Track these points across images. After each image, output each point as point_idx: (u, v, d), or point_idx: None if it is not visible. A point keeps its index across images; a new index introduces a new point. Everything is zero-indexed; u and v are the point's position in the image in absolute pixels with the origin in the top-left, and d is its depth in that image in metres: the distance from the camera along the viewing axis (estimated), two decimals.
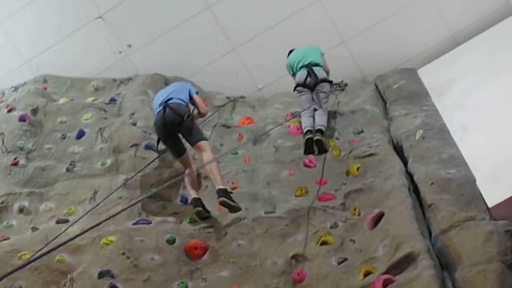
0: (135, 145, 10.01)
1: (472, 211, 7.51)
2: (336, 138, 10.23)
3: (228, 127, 11.16)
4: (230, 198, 7.95)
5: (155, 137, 10.82)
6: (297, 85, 10.25)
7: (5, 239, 8.74)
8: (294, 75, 10.47)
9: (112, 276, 7.61)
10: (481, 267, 6.54)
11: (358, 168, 9.27)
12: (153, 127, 8.82)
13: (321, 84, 9.96)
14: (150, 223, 8.40)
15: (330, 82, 10.35)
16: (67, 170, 10.02)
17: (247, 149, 10.59)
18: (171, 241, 8.16)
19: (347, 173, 9.28)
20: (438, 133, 9.42)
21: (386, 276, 7.04)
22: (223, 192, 7.88)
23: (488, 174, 8.03)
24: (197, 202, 8.13)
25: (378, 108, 10.91)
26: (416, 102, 10.61)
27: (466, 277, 6.57)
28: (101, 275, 7.46)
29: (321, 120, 10.08)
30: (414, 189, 8.50)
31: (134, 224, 8.44)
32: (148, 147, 10.29)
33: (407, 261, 6.93)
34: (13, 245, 8.59)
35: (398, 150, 9.54)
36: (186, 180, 8.45)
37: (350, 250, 7.82)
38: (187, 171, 8.50)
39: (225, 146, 10.39)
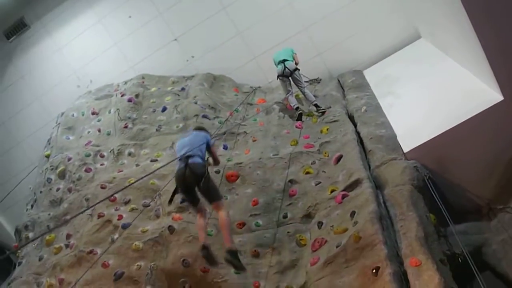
0: (196, 115, 12.42)
1: (394, 154, 9.48)
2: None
3: (251, 104, 13.47)
4: (237, 258, 7.79)
5: (210, 110, 12.63)
6: (278, 75, 12.48)
7: (120, 171, 11.18)
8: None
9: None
10: (399, 188, 8.57)
11: (327, 129, 11.26)
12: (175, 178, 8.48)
13: (294, 73, 12.26)
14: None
15: (298, 69, 12.38)
16: (156, 130, 12.51)
17: (262, 117, 12.53)
18: (218, 172, 10.36)
19: (321, 132, 11.28)
20: (374, 109, 11.15)
21: (344, 192, 8.91)
22: (231, 253, 7.73)
23: (403, 133, 9.91)
24: (204, 251, 7.86)
25: (339, 93, 12.81)
26: (362, 90, 12.43)
27: (391, 193, 8.58)
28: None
29: (309, 97, 12.27)
30: (360, 141, 10.32)
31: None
32: (204, 116, 12.38)
33: (356, 183, 8.93)
34: (125, 174, 10.96)
35: (351, 118, 11.33)
36: (198, 224, 8.33)
37: (322, 177, 9.75)
38: (198, 216, 8.37)
39: (249, 115, 12.64)
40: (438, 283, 6.66)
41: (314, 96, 12.61)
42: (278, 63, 12.62)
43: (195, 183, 8.30)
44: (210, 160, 9.18)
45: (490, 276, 8.88)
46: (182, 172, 8.34)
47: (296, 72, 12.46)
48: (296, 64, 12.68)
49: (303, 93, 12.53)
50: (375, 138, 10.09)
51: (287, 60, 12.53)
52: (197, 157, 8.47)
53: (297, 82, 12.49)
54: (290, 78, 12.54)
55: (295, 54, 12.98)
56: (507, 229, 9.04)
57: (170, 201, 8.87)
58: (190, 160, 8.36)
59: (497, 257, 8.86)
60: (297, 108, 12.30)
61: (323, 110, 12.03)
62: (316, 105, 12.16)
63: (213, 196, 8.36)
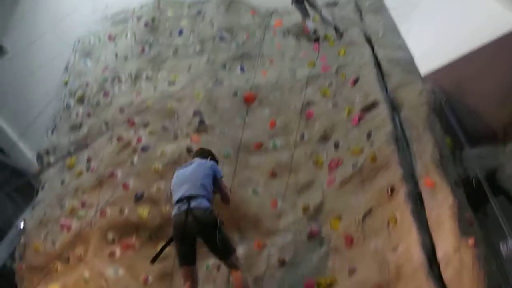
0: (213, 37, 12.44)
1: (411, 77, 9.58)
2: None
3: (267, 26, 13.16)
4: None
5: (226, 33, 12.60)
6: (292, 1, 12.33)
7: (138, 95, 11.23)
8: None
9: (201, 114, 9.99)
10: (416, 110, 8.67)
11: (344, 51, 11.18)
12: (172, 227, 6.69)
13: None
14: (223, 83, 10.91)
15: None
16: (173, 53, 12.47)
17: (279, 39, 12.52)
18: (235, 94, 10.57)
19: (338, 54, 11.21)
20: (392, 32, 11.19)
21: (360, 113, 9.03)
22: None
23: (421, 56, 9.95)
24: None
25: (357, 16, 12.61)
26: (380, 13, 12.26)
27: (407, 115, 8.67)
28: (195, 113, 9.97)
29: (327, 20, 12.21)
30: (378, 64, 10.32)
31: (213, 84, 10.87)
32: (221, 39, 12.44)
33: (373, 105, 9.06)
34: (143, 98, 11.05)
35: (369, 41, 11.29)
36: None
37: (339, 99, 9.81)
38: (186, 286, 6.43)
39: (266, 38, 12.57)
40: (452, 204, 6.75)
41: (331, 18, 12.32)
42: None
43: (199, 236, 6.51)
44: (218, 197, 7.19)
45: (504, 200, 8.94)
46: (181, 221, 6.44)
47: None
48: None
49: (320, 15, 12.33)
50: (392, 61, 10.14)
51: None
52: (202, 198, 6.60)
53: (312, 5, 12.30)
54: (305, 2, 12.29)
55: None
56: None
57: (154, 259, 6.92)
58: (192, 204, 6.48)
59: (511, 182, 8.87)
60: (314, 32, 12.12)
61: (341, 33, 11.83)
62: (334, 28, 11.99)
63: (227, 250, 6.52)
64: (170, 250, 7.98)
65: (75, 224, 9.35)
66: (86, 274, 8.39)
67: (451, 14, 10.60)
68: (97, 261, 8.48)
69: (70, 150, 11.22)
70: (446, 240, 6.39)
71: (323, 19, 12.35)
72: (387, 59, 10.20)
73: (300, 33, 12.55)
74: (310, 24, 12.33)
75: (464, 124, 9.41)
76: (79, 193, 9.92)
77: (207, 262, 8.13)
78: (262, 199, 8.69)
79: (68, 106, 12.35)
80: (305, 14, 12.39)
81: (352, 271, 6.86)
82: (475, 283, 5.73)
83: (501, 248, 6.82)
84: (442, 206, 6.83)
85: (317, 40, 11.99)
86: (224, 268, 7.63)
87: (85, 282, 8.32)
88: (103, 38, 14.04)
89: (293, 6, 12.49)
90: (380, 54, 10.48)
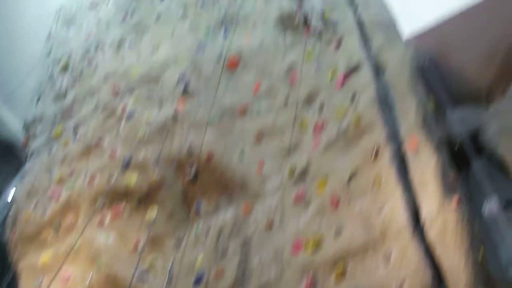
0: (196, 1, 12.28)
1: (395, 39, 9.57)
2: None
3: None
4: None
5: None
6: None
7: (122, 62, 11.20)
8: None
9: (185, 79, 10.05)
10: (399, 71, 8.69)
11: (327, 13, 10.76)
12: None
13: None
14: (206, 48, 10.76)
15: None
16: (156, 19, 12.31)
17: (261, 2, 11.99)
18: (219, 58, 10.46)
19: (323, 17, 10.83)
20: None
21: (344, 76, 9.09)
22: None
23: (405, 19, 9.89)
24: None
25: None
26: None
27: (391, 76, 8.72)
28: (179, 79, 10.07)
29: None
30: (361, 26, 10.26)
31: (197, 49, 10.82)
32: (204, 2, 12.24)
33: (357, 68, 9.06)
34: (127, 65, 11.07)
35: (352, 2, 11.04)
36: None
37: (323, 61, 9.78)
38: None
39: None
40: (436, 163, 6.93)
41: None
42: None
43: None
44: None
45: (487, 161, 8.80)
46: None
47: None
48: None
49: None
50: (376, 23, 10.09)
51: None
52: None
53: None
54: None
55: None
56: (505, 115, 9.01)
57: None
58: None
59: (494, 143, 8.76)
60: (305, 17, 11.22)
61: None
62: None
63: None
64: (157, 216, 8.16)
65: (64, 193, 9.39)
66: (77, 241, 8.40)
67: None
68: (87, 228, 8.52)
69: (56, 119, 11.18)
70: (430, 200, 6.52)
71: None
72: (371, 21, 10.16)
73: None
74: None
75: (448, 85, 9.34)
76: (67, 161, 9.97)
77: (196, 226, 8.37)
78: (249, 163, 8.76)
79: (52, 75, 12.30)
80: None
81: (338, 232, 6.98)
82: (458, 242, 5.90)
83: (483, 208, 6.89)
84: (426, 166, 6.97)
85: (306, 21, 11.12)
86: (213, 231, 8.02)
87: (76, 251, 8.39)
88: (84, 6, 13.90)
89: None
90: (364, 15, 10.42)
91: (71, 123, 10.81)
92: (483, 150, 8.85)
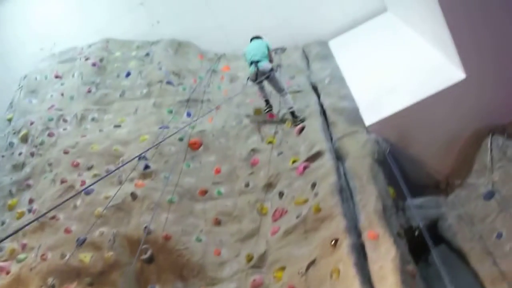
0: (160, 81, 12.37)
1: (356, 127, 9.62)
2: None
3: (215, 71, 13.23)
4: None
5: (174, 76, 12.61)
6: (250, 79, 10.69)
7: (83, 136, 11.06)
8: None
9: (146, 158, 9.92)
10: (360, 160, 8.75)
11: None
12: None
13: (270, 74, 10.37)
14: (169, 127, 10.77)
15: (272, 69, 10.36)
16: (120, 95, 12.37)
17: (226, 85, 12.51)
18: (181, 139, 10.46)
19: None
20: (338, 80, 11.18)
21: (305, 163, 9.07)
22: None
23: (366, 107, 10.02)
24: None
25: (304, 63, 12.61)
26: (326, 61, 12.30)
27: (351, 165, 8.75)
28: (140, 158, 9.64)
29: (287, 103, 10.47)
30: (323, 113, 10.41)
31: (159, 128, 10.81)
32: (168, 83, 12.35)
33: (318, 155, 9.10)
34: (88, 140, 10.84)
35: (315, 89, 11.35)
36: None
37: (284, 147, 9.84)
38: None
39: (213, 83, 12.64)
40: (395, 256, 6.85)
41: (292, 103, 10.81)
42: (250, 64, 10.65)
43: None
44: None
45: (445, 249, 9.10)
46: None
47: (272, 73, 10.53)
48: (271, 61, 10.86)
49: (281, 98, 10.75)
50: (338, 110, 10.24)
51: (261, 61, 10.54)
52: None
53: (274, 85, 10.69)
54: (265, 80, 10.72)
55: (269, 49, 11.00)
56: (463, 204, 9.25)
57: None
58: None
59: (453, 231, 9.05)
60: (266, 101, 10.96)
61: (298, 122, 10.40)
62: (292, 113, 10.48)
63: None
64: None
65: (14, 267, 9.05)
66: None
67: (396, 65, 10.77)
68: None
69: (11, 190, 10.91)
70: None
71: (283, 100, 10.82)
72: (333, 108, 10.30)
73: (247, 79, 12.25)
74: (264, 94, 11.11)
75: (407, 174, 9.48)
76: (20, 235, 9.58)
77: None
78: (206, 247, 8.62)
79: (11, 144, 12.03)
80: (263, 95, 11.07)
81: None
82: None
83: None
84: (384, 258, 6.88)
85: (269, 109, 10.94)
86: None
87: None
88: (49, 76, 13.78)
89: (249, 82, 11.03)
90: (326, 103, 10.57)
91: (27, 195, 10.57)
92: (442, 238, 9.03)
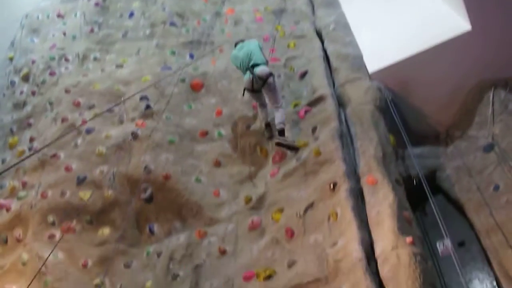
0: (164, 22, 12.14)
1: (359, 74, 9.63)
2: (283, 25, 11.57)
3: (219, 14, 12.73)
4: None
5: (177, 18, 12.25)
6: (246, 89, 9.03)
7: (85, 76, 10.98)
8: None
9: (147, 99, 9.92)
10: (361, 107, 8.74)
11: (294, 44, 11.04)
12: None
13: (267, 82, 8.70)
14: (171, 68, 10.66)
15: (271, 74, 8.78)
16: (122, 36, 12.13)
17: (230, 28, 12.09)
18: (183, 80, 10.38)
19: (288, 46, 11.02)
20: (343, 27, 10.99)
21: (307, 107, 9.06)
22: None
23: (370, 54, 10.00)
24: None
25: (309, 9, 12.21)
26: (332, 7, 11.93)
27: (353, 112, 8.77)
28: (142, 98, 9.89)
29: (279, 119, 8.68)
30: (327, 59, 10.31)
31: (161, 69, 10.71)
32: (171, 24, 12.09)
33: (319, 100, 9.05)
34: (90, 79, 10.78)
35: (319, 35, 11.12)
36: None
37: (286, 91, 9.80)
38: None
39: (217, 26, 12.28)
40: (392, 201, 6.91)
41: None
42: (245, 70, 9.02)
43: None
44: None
45: (442, 199, 9.19)
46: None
47: (272, 78, 8.89)
48: (267, 61, 9.31)
49: (275, 111, 9.01)
50: (341, 57, 10.15)
51: (257, 65, 8.91)
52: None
53: (272, 93, 8.99)
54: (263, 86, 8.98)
55: (261, 49, 9.39)
56: (462, 156, 9.29)
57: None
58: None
59: (450, 182, 9.13)
60: (267, 126, 9.29)
61: (286, 145, 8.69)
62: (280, 132, 8.74)
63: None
64: (109, 235, 7.94)
65: (14, 205, 9.12)
66: (24, 256, 8.17)
67: (402, 14, 10.58)
68: (36, 243, 8.28)
69: (12, 128, 10.92)
70: (385, 237, 6.48)
71: (275, 114, 9.05)
72: (336, 54, 10.20)
73: (251, 21, 12.25)
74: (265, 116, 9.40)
75: (408, 123, 9.52)
76: (20, 173, 9.68)
77: (148, 249, 8.16)
78: (205, 188, 8.66)
79: (12, 83, 11.98)
80: (262, 105, 9.34)
81: (291, 264, 6.89)
82: (410, 280, 5.84)
83: (438, 247, 6.91)
84: (382, 203, 6.95)
85: (270, 137, 9.19)
86: (164, 255, 7.92)
87: (23, 265, 8.12)
88: (51, 15, 13.55)
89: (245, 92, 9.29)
90: (330, 49, 10.46)
91: (27, 134, 10.59)
92: (440, 188, 9.15)
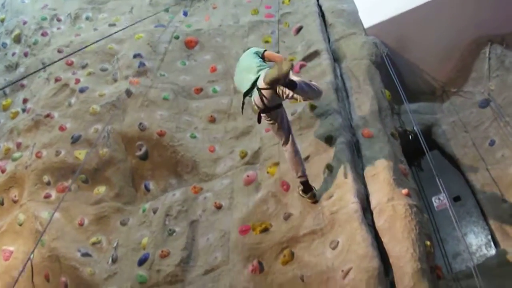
0: None
1: (354, 29, 9.54)
2: None
3: None
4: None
5: None
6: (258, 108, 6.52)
7: (77, 35, 10.96)
8: None
9: (141, 56, 9.84)
10: (357, 61, 8.77)
11: (289, 0, 10.82)
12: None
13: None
14: (164, 26, 10.60)
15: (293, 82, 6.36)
16: None
17: None
18: (176, 37, 10.31)
19: (283, 2, 10.83)
20: None
21: (302, 62, 8.94)
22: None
23: (365, 9, 9.91)
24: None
25: None
26: None
27: (348, 66, 8.77)
28: (135, 56, 9.80)
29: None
30: (322, 14, 10.21)
31: (155, 26, 10.65)
32: None
33: (314, 54, 8.99)
34: (83, 38, 10.71)
35: None
36: None
37: (281, 46, 9.63)
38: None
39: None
40: (388, 154, 6.94)
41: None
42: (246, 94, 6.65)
43: None
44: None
45: (438, 155, 9.31)
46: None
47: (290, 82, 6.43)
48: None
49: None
50: (337, 12, 10.07)
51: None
52: None
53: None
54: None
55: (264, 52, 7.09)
56: (458, 111, 9.37)
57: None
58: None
59: (446, 138, 9.23)
60: (305, 184, 6.82)
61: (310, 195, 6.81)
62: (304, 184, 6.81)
63: None
64: (104, 193, 7.95)
65: (9, 166, 9.14)
66: (21, 217, 8.21)
67: None
68: (32, 204, 8.32)
69: (5, 90, 10.87)
70: (380, 189, 6.50)
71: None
72: (332, 10, 10.12)
73: None
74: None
75: (404, 78, 9.56)
76: (14, 134, 9.69)
77: (144, 206, 8.18)
78: (200, 144, 8.64)
79: (4, 45, 11.87)
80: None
81: (287, 217, 6.87)
82: (406, 231, 5.85)
83: (433, 201, 6.96)
84: (378, 156, 6.97)
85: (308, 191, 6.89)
86: (160, 211, 7.90)
87: (20, 225, 8.18)
88: None
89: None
90: (325, 5, 10.36)
91: (21, 95, 10.53)
92: (436, 144, 9.25)
